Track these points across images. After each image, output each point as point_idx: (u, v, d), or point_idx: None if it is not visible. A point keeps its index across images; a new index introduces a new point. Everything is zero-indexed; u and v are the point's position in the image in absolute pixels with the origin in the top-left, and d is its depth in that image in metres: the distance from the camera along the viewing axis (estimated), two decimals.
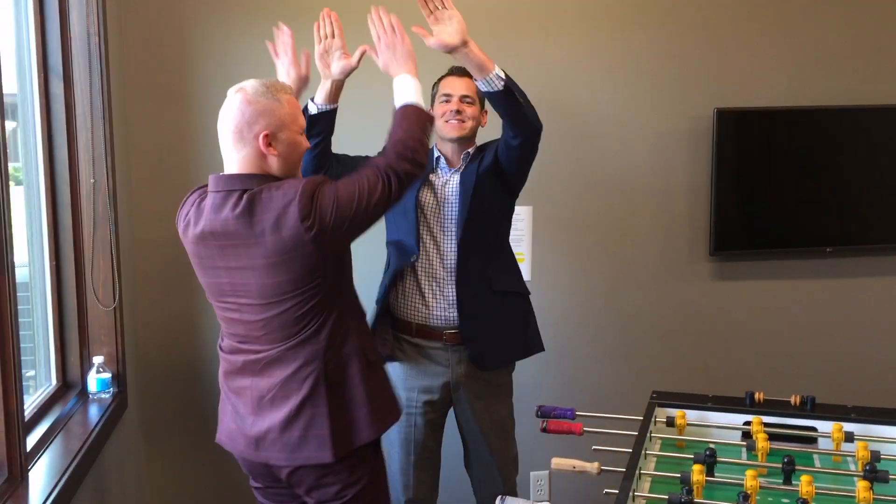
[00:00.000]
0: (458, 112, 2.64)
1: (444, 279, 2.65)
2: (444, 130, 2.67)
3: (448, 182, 2.69)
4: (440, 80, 2.72)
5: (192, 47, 3.06)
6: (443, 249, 2.66)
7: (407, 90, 2.21)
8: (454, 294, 2.63)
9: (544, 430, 2.34)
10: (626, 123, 3.33)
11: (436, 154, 2.72)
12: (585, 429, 2.37)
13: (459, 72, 2.65)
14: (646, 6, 3.31)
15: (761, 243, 3.43)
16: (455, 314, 2.64)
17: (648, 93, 3.33)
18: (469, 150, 2.71)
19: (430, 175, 2.71)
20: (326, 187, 1.97)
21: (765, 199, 3.43)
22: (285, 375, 2.05)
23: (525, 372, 2.94)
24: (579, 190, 3.34)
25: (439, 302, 2.65)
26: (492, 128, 2.69)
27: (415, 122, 2.14)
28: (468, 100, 2.66)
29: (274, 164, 2.00)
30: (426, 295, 2.66)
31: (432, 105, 2.70)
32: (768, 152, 3.40)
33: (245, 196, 1.95)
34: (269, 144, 1.97)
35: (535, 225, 3.31)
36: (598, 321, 3.42)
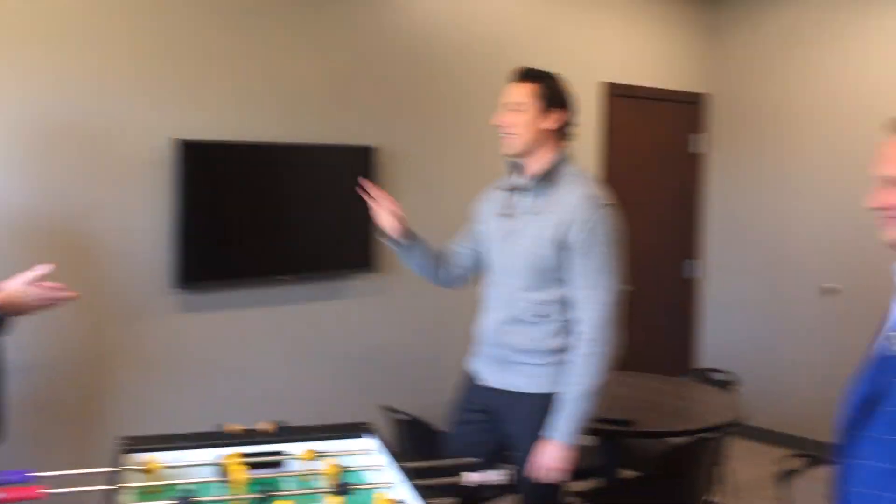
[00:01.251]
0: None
1: None
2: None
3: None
4: None
5: None
6: None
7: None
8: None
9: None
10: (84, 149, 3.08)
11: None
12: (50, 491, 2.10)
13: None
14: (103, 31, 3.11)
15: (228, 273, 3.48)
16: None
17: (104, 118, 3.13)
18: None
19: None
20: None
21: (224, 230, 3.48)
22: None
23: None
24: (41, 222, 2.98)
25: None
26: None
27: None
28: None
29: None
30: None
31: None
32: (229, 184, 3.47)
33: None
34: None
35: None
36: (76, 366, 3.09)
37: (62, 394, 3.14)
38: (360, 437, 2.50)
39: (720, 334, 5.83)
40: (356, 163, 3.71)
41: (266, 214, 3.58)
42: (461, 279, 2.87)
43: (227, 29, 3.47)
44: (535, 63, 4.64)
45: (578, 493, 3.52)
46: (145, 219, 3.27)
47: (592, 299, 2.49)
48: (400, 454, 2.33)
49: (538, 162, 2.58)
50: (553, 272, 2.53)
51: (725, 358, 5.47)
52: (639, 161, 5.43)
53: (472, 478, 2.22)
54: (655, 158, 5.59)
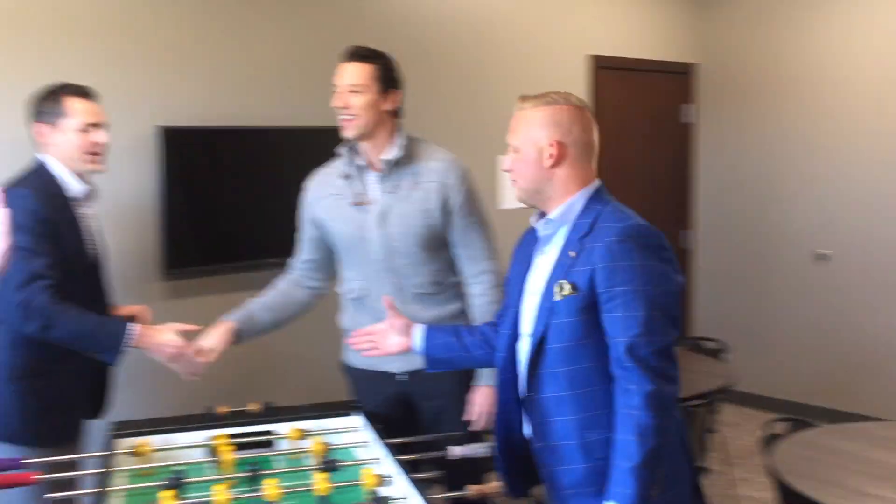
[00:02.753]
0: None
1: None
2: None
3: None
4: None
5: None
6: None
7: None
8: None
9: None
10: None
11: None
12: (43, 476, 2.15)
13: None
14: (85, 19, 3.13)
15: (213, 259, 3.51)
16: None
17: None
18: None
19: None
20: None
21: (217, 215, 3.51)
22: None
23: None
24: None
25: None
26: None
27: None
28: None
29: None
30: None
31: None
32: (213, 170, 3.49)
33: None
34: None
35: None
36: None
37: None
38: (346, 415, 2.55)
39: (712, 303, 5.86)
40: (336, 144, 3.73)
41: (250, 199, 3.59)
42: (318, 294, 2.78)
43: (208, 15, 3.47)
44: (521, 37, 4.70)
45: None
46: (132, 206, 3.29)
47: (482, 255, 2.62)
48: (385, 430, 2.38)
49: (383, 143, 2.57)
50: (441, 239, 2.57)
51: (717, 327, 5.50)
52: (629, 133, 5.43)
53: (455, 451, 2.27)
54: (646, 130, 5.59)
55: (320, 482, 2.00)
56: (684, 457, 2.00)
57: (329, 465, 2.15)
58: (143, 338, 2.43)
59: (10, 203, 2.08)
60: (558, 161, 1.92)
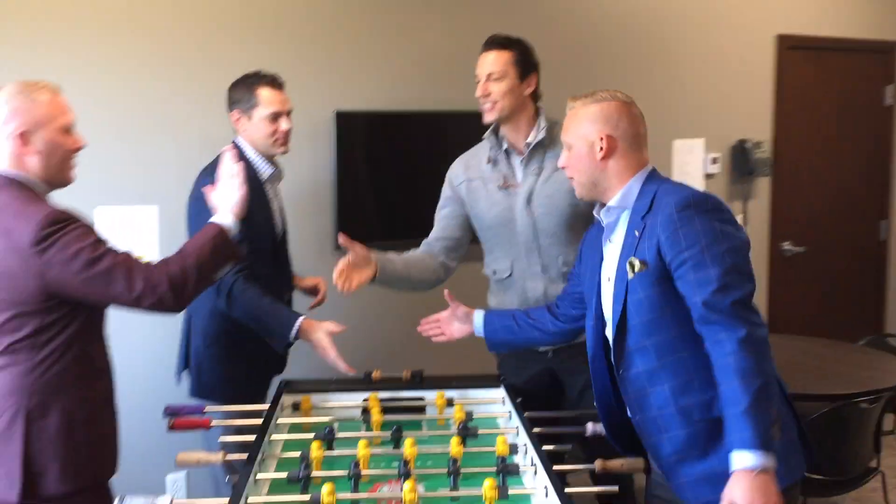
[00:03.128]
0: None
1: None
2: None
3: None
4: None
5: None
6: None
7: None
8: None
9: (171, 428, 2.35)
10: None
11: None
12: (217, 423, 2.44)
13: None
14: (266, 13, 3.42)
15: (382, 236, 3.72)
16: None
17: None
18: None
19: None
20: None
21: (382, 195, 3.72)
22: None
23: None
24: None
25: None
26: None
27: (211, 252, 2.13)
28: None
29: (32, 163, 2.01)
30: None
31: None
32: (383, 152, 3.70)
33: None
34: (25, 144, 1.98)
35: (163, 226, 3.27)
36: None
37: None
38: (490, 387, 2.66)
39: None
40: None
41: (417, 179, 3.76)
42: (446, 270, 2.82)
43: (382, 7, 3.69)
44: (706, 18, 4.55)
45: None
46: (310, 186, 3.57)
47: None
48: (525, 404, 2.46)
49: (526, 126, 2.64)
50: (586, 218, 2.55)
51: None
52: (820, 117, 5.11)
53: (591, 428, 2.31)
54: (840, 114, 5.23)
55: (454, 446, 2.12)
56: (786, 405, 1.99)
57: (467, 431, 2.27)
58: (304, 332, 2.62)
59: (203, 182, 2.41)
60: (609, 153, 2.00)
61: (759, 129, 4.83)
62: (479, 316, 2.54)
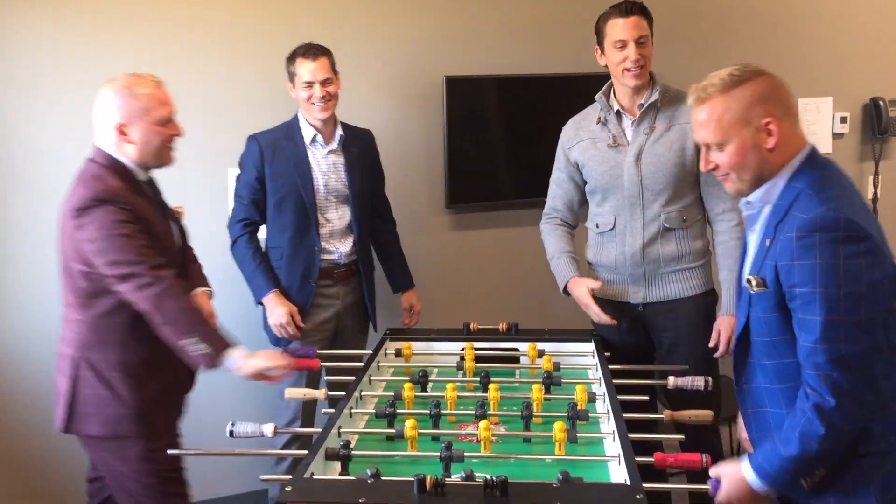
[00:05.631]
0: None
1: None
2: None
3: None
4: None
5: None
6: None
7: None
8: None
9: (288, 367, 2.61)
10: (366, 89, 3.62)
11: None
12: (326, 364, 2.69)
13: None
14: None
15: (489, 196, 3.86)
16: None
17: (382, 61, 3.63)
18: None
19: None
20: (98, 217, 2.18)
21: (490, 156, 3.85)
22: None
23: None
24: None
25: None
26: None
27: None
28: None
29: (129, 150, 2.28)
30: None
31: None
32: (492, 115, 3.82)
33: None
34: (122, 134, 2.25)
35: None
36: None
37: None
38: (581, 341, 2.77)
39: None
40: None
41: (523, 142, 3.86)
42: (574, 233, 2.98)
43: None
44: None
45: None
46: (422, 147, 3.74)
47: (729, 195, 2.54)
48: (612, 357, 2.57)
49: (643, 88, 2.73)
50: (692, 177, 2.71)
51: None
52: None
53: (672, 381, 2.39)
54: None
55: (535, 392, 2.26)
56: None
57: (550, 380, 2.40)
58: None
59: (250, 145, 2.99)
60: (777, 138, 1.75)
61: (895, 86, 4.60)
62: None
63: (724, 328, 2.63)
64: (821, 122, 4.49)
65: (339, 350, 2.98)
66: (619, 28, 2.67)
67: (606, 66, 2.77)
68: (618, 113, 2.78)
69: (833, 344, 1.62)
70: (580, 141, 2.85)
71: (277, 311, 2.95)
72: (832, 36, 4.42)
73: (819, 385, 1.64)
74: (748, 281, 1.80)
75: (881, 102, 4.51)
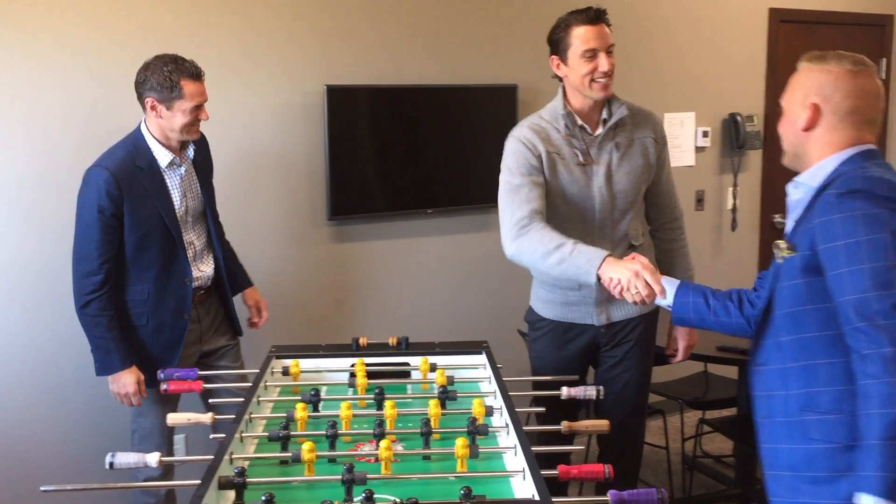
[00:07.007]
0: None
1: None
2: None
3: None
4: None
5: None
6: None
7: None
8: None
9: (165, 391, 2.46)
10: (244, 100, 3.49)
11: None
12: (207, 386, 2.55)
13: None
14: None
15: (373, 207, 3.81)
16: None
17: (263, 71, 3.52)
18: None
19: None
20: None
21: (374, 167, 3.80)
22: None
23: None
24: None
25: None
26: None
27: None
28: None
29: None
30: None
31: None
32: (375, 125, 3.78)
33: None
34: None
35: None
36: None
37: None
38: (472, 353, 2.76)
39: None
40: (501, 101, 3.89)
41: (405, 152, 3.85)
42: None
43: None
44: None
45: (712, 422, 3.60)
46: (302, 158, 3.65)
47: (677, 202, 2.85)
48: (503, 370, 2.56)
49: (601, 102, 2.62)
50: (645, 190, 2.75)
51: None
52: None
53: (566, 392, 2.42)
54: None
55: (432, 408, 2.22)
56: None
57: (446, 394, 2.37)
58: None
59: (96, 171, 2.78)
60: (811, 124, 1.81)
61: (750, 102, 4.88)
62: (671, 285, 2.18)
63: (682, 336, 2.73)
64: (685, 136, 4.71)
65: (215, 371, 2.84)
66: (588, 36, 2.50)
67: (560, 78, 2.63)
68: (580, 127, 2.63)
69: (887, 290, 1.57)
70: (548, 153, 2.61)
71: (125, 378, 2.75)
72: (694, 56, 4.65)
73: (876, 337, 1.55)
74: (775, 246, 1.82)
75: (738, 118, 4.78)
